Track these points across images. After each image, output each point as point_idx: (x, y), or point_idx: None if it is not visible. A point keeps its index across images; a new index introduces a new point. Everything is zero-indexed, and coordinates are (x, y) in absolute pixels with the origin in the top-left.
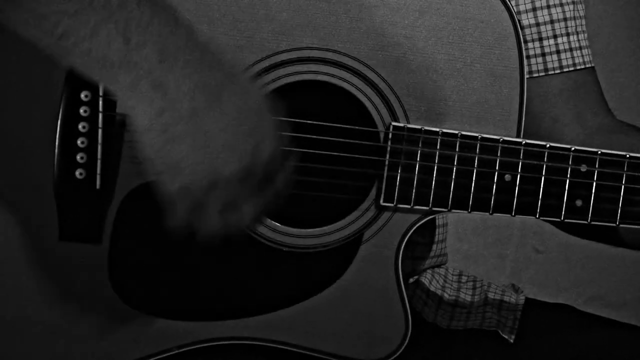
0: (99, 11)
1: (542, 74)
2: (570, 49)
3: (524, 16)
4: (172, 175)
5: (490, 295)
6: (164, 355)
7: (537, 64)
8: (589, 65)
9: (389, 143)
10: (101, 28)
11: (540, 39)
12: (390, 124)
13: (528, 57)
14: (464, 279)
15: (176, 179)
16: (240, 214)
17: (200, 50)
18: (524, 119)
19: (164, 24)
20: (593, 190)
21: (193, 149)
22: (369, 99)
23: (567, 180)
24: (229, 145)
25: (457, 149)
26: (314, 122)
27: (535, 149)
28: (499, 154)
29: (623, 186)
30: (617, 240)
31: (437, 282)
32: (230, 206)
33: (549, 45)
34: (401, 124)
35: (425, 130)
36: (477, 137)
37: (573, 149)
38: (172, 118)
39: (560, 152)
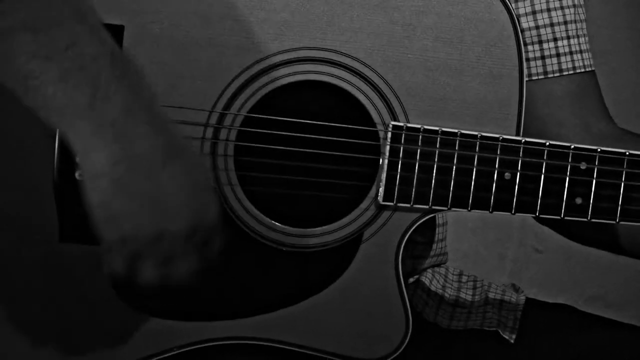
0: (73, 60)
1: (542, 76)
2: (570, 52)
3: (523, 19)
4: (115, 225)
5: (491, 295)
6: (165, 355)
7: (536, 66)
8: (589, 69)
9: (389, 142)
10: (71, 75)
11: (540, 42)
12: (390, 123)
13: (527, 60)
14: (464, 278)
15: (119, 229)
16: (177, 269)
17: (162, 117)
18: (523, 117)
19: (132, 85)
20: (593, 188)
21: (142, 203)
22: (368, 98)
23: (567, 178)
24: (179, 203)
25: (456, 148)
26: (314, 122)
27: (534, 147)
28: (498, 152)
29: (623, 184)
30: (618, 249)
31: (438, 281)
32: (169, 260)
33: (549, 49)
34: (400, 123)
35: (425, 129)
36: (477, 135)
37: (573, 146)
38: (128, 170)
39: (560, 150)
